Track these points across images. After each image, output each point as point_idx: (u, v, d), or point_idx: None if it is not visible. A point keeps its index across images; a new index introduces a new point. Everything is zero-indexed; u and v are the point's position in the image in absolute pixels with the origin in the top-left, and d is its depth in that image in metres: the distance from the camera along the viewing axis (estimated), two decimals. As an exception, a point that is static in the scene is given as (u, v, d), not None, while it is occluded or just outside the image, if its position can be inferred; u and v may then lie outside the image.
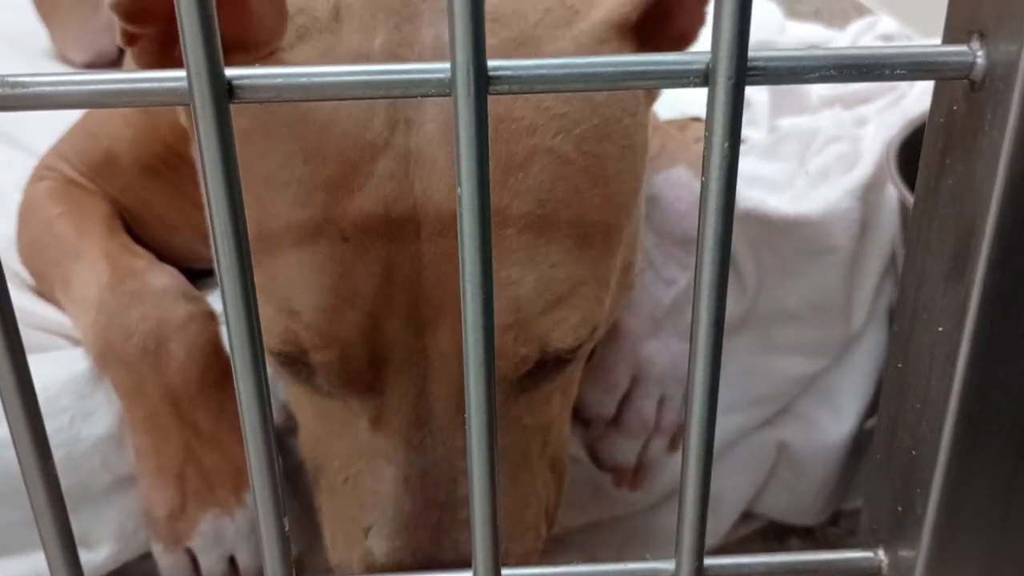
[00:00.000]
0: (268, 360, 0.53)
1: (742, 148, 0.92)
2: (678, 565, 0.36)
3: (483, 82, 0.29)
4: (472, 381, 0.33)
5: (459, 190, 0.30)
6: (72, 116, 0.77)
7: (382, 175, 0.46)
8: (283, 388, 0.59)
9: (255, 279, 0.47)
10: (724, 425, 0.75)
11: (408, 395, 0.50)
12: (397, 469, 0.51)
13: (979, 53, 0.30)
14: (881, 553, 0.38)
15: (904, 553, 0.37)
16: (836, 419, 0.79)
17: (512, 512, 0.54)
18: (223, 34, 0.29)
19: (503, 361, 0.49)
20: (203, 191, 0.32)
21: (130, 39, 0.48)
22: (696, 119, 0.89)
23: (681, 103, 0.90)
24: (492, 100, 0.29)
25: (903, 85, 0.91)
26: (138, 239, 0.71)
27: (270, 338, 0.48)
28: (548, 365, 0.51)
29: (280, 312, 0.48)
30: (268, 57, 0.46)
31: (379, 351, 0.48)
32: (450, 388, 0.50)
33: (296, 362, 0.50)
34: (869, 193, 0.77)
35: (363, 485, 0.52)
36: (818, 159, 0.82)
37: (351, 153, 0.46)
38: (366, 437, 0.52)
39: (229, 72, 0.29)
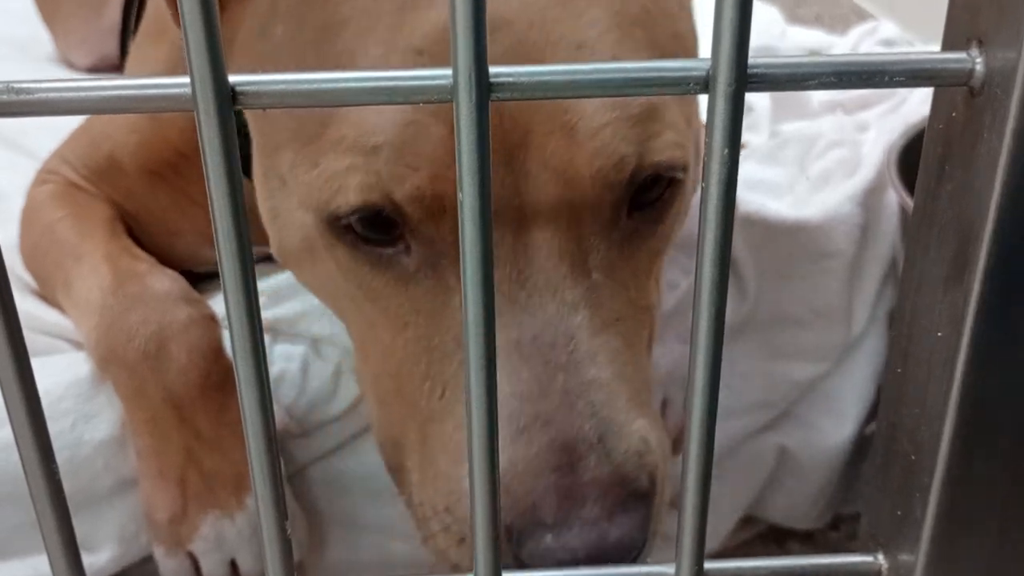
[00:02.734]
0: (343, 270, 0.49)
1: (743, 153, 0.93)
2: (678, 568, 0.36)
3: (485, 89, 0.29)
4: (474, 384, 0.33)
5: (460, 195, 0.30)
6: (75, 120, 0.77)
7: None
8: (358, 326, 0.53)
9: (323, 142, 0.46)
10: (725, 429, 0.75)
11: (504, 243, 0.46)
12: (505, 333, 0.46)
13: (978, 60, 0.30)
14: (881, 557, 0.38)
15: (904, 557, 0.37)
16: (836, 424, 0.79)
17: (638, 391, 0.49)
18: None
19: (603, 159, 0.46)
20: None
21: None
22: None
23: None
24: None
25: (904, 91, 0.92)
26: (140, 243, 0.71)
27: (350, 193, 0.45)
28: (645, 199, 0.49)
29: (358, 155, 0.45)
30: None
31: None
32: (550, 232, 0.46)
33: (378, 230, 0.47)
34: (870, 198, 0.77)
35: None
36: (819, 164, 0.82)
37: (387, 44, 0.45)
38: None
39: (232, 78, 0.29)
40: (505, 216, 0.46)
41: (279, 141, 0.50)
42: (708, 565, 0.37)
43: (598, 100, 0.46)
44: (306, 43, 0.48)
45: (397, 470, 0.53)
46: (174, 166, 0.69)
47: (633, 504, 0.46)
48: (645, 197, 0.50)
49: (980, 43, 0.30)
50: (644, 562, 0.46)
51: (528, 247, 0.46)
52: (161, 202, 0.71)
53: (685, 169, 0.50)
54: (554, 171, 0.46)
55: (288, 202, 0.51)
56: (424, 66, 0.43)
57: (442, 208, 0.46)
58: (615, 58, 0.46)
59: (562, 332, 0.46)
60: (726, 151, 0.29)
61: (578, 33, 0.46)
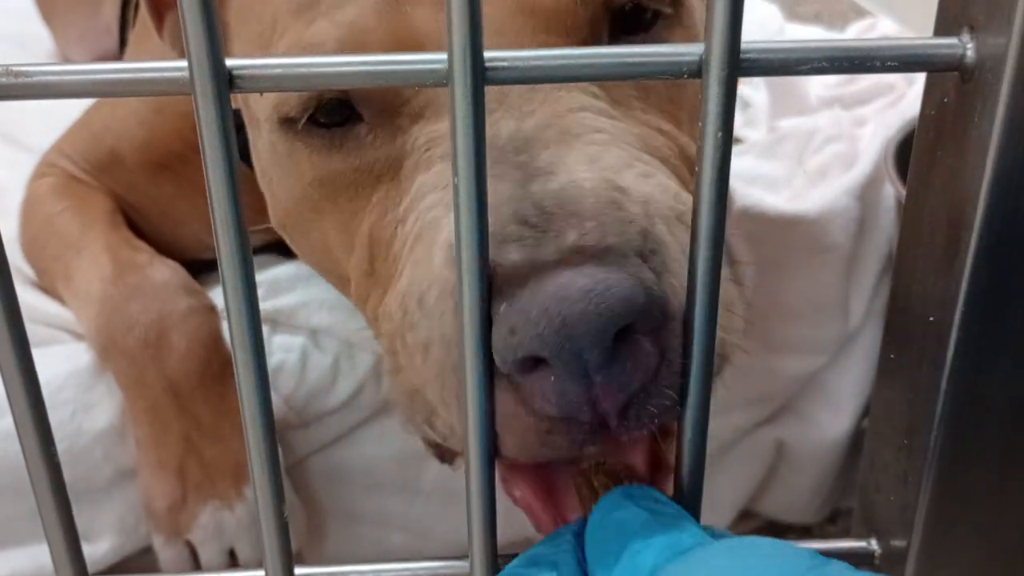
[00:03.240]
0: (301, 152, 0.48)
1: (740, 147, 0.92)
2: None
3: (480, 73, 0.29)
4: (471, 380, 0.33)
5: (455, 180, 0.30)
6: (74, 115, 0.78)
7: None
8: (331, 227, 0.50)
9: (276, 48, 0.45)
10: (722, 424, 0.76)
11: None
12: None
13: (969, 46, 0.30)
14: (874, 542, 0.38)
15: (897, 542, 0.37)
16: (834, 417, 0.79)
17: (677, 205, 0.39)
18: None
19: None
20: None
21: (159, 12, 0.48)
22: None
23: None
24: None
25: (901, 86, 0.92)
26: (142, 234, 0.71)
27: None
28: (630, 21, 0.45)
29: (301, 47, 0.44)
30: None
31: (405, 34, 0.43)
32: (517, 17, 0.43)
33: (327, 109, 0.45)
34: (867, 192, 0.77)
35: (434, 211, 0.41)
36: (816, 158, 0.82)
37: None
38: (424, 154, 0.43)
39: (230, 63, 0.30)
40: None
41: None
42: (703, 550, 0.37)
43: None
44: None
45: (393, 362, 0.45)
46: (181, 156, 0.68)
47: (614, 260, 0.35)
48: (631, 26, 0.46)
49: (971, 29, 0.30)
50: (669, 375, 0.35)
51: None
52: (166, 193, 0.71)
53: (674, 3, 0.46)
54: (512, 2, 0.43)
55: (262, 141, 0.51)
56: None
57: (368, 44, 0.43)
58: None
59: (529, 130, 0.40)
60: (720, 135, 0.30)
61: None
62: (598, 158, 0.40)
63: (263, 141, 0.51)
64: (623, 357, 0.33)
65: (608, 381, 0.34)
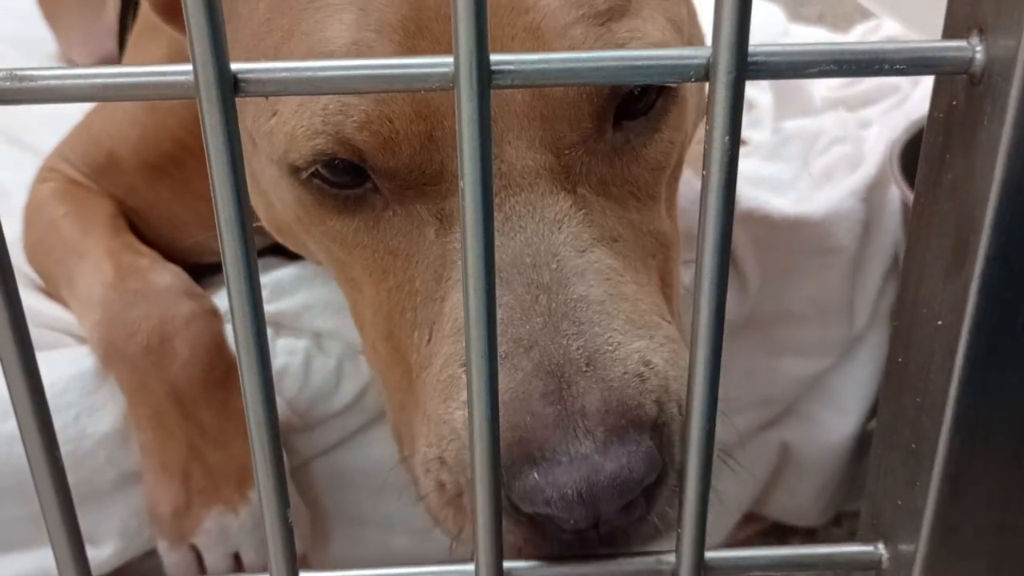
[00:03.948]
0: (314, 224, 0.48)
1: (745, 149, 0.92)
2: (679, 558, 0.37)
3: (486, 76, 0.29)
4: (476, 379, 0.33)
5: (462, 183, 0.30)
6: (76, 117, 0.77)
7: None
8: (341, 271, 0.51)
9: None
10: (726, 426, 0.75)
11: None
12: None
13: (978, 48, 0.30)
14: (881, 547, 0.38)
15: (904, 547, 0.37)
16: (839, 420, 0.79)
17: (636, 306, 0.44)
18: None
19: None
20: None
21: (167, 7, 0.47)
22: (699, 120, 0.89)
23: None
24: None
25: (906, 87, 0.92)
26: (143, 238, 0.71)
27: (301, 142, 0.44)
28: (634, 108, 0.46)
29: (308, 101, 0.44)
30: None
31: (422, 100, 0.42)
32: (523, 147, 0.43)
33: (339, 174, 0.45)
34: (872, 194, 0.77)
35: (451, 316, 0.44)
36: (821, 160, 0.82)
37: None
38: (439, 246, 0.44)
39: (235, 66, 0.30)
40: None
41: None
42: (709, 555, 0.37)
43: None
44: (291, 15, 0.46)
45: (398, 434, 0.51)
46: (175, 159, 0.68)
47: (633, 434, 0.40)
48: (635, 107, 0.46)
49: (980, 31, 0.30)
50: (660, 510, 0.42)
51: (503, 166, 0.43)
52: (163, 196, 0.71)
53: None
54: (518, 96, 0.43)
55: (259, 161, 0.50)
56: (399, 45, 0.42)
57: (394, 132, 0.43)
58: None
59: (544, 251, 0.43)
60: (727, 138, 0.30)
61: None
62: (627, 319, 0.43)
63: (264, 173, 0.50)
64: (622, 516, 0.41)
65: (607, 531, 0.41)
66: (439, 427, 0.44)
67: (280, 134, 0.45)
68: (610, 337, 0.42)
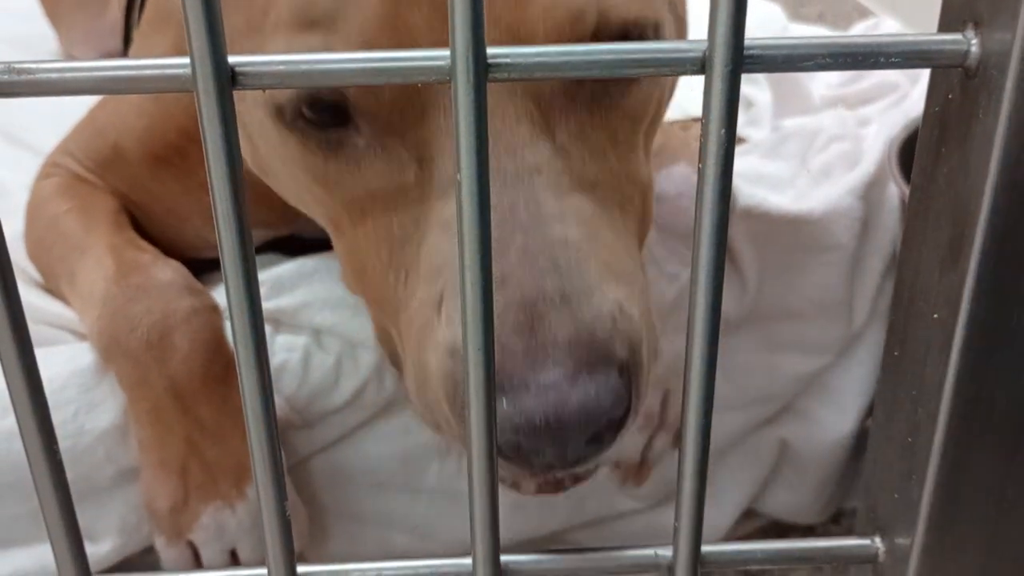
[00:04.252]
0: (294, 145, 0.48)
1: (744, 147, 0.92)
2: (676, 552, 0.37)
3: (483, 70, 0.29)
4: (472, 376, 0.33)
5: (458, 176, 0.30)
6: (78, 115, 0.78)
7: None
8: (326, 214, 0.52)
9: (265, 36, 0.45)
10: (726, 423, 0.76)
11: (451, 114, 0.44)
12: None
13: (973, 42, 0.30)
14: (878, 540, 0.38)
15: (900, 540, 0.37)
16: (838, 417, 0.79)
17: (617, 257, 0.45)
18: None
19: (558, 13, 0.43)
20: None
21: None
22: (698, 119, 0.89)
23: (686, 104, 0.90)
24: None
25: (905, 85, 0.92)
26: (145, 233, 0.72)
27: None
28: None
29: (294, 34, 0.44)
30: None
31: (407, 46, 0.42)
32: (505, 88, 0.43)
33: (322, 115, 0.45)
34: (871, 191, 0.77)
35: (425, 260, 0.45)
36: (820, 158, 0.82)
37: None
38: (416, 189, 0.45)
39: (232, 59, 0.30)
40: (444, 84, 0.44)
41: (233, 38, 0.49)
42: (706, 548, 0.37)
43: None
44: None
45: (393, 358, 0.53)
46: (180, 149, 0.68)
47: (601, 368, 0.42)
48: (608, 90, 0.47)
49: (976, 25, 0.30)
50: (612, 451, 0.45)
51: None
52: (168, 188, 0.71)
53: (657, 28, 0.47)
54: (506, 28, 0.43)
55: (244, 104, 0.50)
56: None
57: (381, 88, 0.44)
58: None
59: (523, 194, 0.43)
60: (723, 132, 0.30)
61: None
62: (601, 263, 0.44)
63: (251, 115, 0.50)
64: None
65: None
66: (417, 371, 0.46)
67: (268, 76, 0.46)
68: (586, 278, 0.43)
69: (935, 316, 0.33)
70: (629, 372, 0.43)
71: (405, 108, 0.44)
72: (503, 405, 0.41)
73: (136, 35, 0.80)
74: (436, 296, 0.44)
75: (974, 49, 0.30)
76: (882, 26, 1.12)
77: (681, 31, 0.53)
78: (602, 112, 0.47)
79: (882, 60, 0.30)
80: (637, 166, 0.50)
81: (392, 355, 0.53)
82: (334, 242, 0.54)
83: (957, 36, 0.30)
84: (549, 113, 0.46)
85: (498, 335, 0.40)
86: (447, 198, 0.44)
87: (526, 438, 0.40)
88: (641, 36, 0.46)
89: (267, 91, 0.46)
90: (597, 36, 0.44)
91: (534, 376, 0.41)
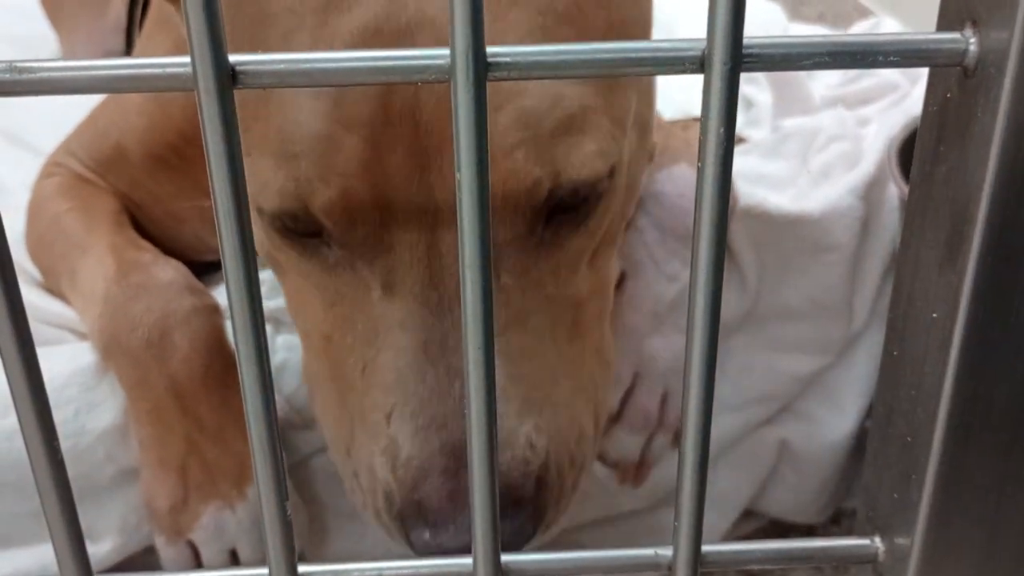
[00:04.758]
0: (270, 247, 0.51)
1: (744, 147, 0.92)
2: (676, 551, 0.37)
3: (482, 68, 0.29)
4: (473, 370, 0.33)
5: (458, 175, 0.30)
6: (79, 116, 0.78)
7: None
8: (290, 298, 0.56)
9: (253, 135, 0.47)
10: (725, 423, 0.76)
11: (419, 249, 0.47)
12: (414, 336, 0.48)
13: (972, 40, 0.30)
14: (877, 540, 0.38)
15: (900, 540, 0.37)
16: (837, 418, 0.79)
17: (539, 386, 0.50)
18: None
19: (515, 184, 0.46)
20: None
21: None
22: (698, 119, 0.89)
23: (685, 104, 0.91)
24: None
25: (905, 85, 0.92)
26: (146, 234, 0.72)
27: (271, 196, 0.47)
28: (566, 208, 0.49)
29: (279, 160, 0.46)
30: None
31: (383, 189, 0.46)
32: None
33: (299, 224, 0.48)
34: (871, 191, 0.77)
35: (380, 365, 0.49)
36: (820, 158, 0.82)
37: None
38: (380, 308, 0.49)
39: (233, 58, 0.30)
40: (419, 219, 0.47)
41: None
42: (706, 548, 0.37)
43: (511, 116, 0.46)
44: (243, 30, 0.48)
45: (333, 435, 0.55)
46: (179, 151, 0.69)
47: (511, 512, 0.48)
48: (567, 203, 0.50)
49: (974, 24, 0.30)
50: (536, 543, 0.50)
51: (440, 251, 0.47)
52: (167, 190, 0.71)
53: (611, 174, 0.50)
54: None
55: None
56: None
57: (352, 220, 0.47)
58: None
59: (453, 329, 0.48)
60: (722, 130, 0.30)
61: (496, 37, 0.46)
62: (521, 388, 0.49)
63: None
64: None
65: None
66: (359, 458, 0.51)
67: (252, 176, 0.47)
68: (503, 423, 0.49)
69: (934, 315, 0.33)
70: (537, 504, 0.50)
71: (376, 243, 0.48)
72: (424, 536, 0.48)
73: (139, 36, 0.80)
74: (388, 407, 0.49)
75: (972, 48, 0.30)
76: (882, 26, 1.12)
77: (644, 140, 0.55)
78: (548, 253, 0.50)
79: (880, 59, 0.30)
80: (576, 289, 0.53)
81: (311, 404, 0.57)
82: (296, 312, 0.56)
83: (955, 35, 0.30)
84: (498, 259, 0.49)
85: (430, 474, 0.47)
86: (407, 328, 0.48)
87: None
88: (594, 187, 0.49)
89: (252, 191, 0.48)
90: (551, 196, 0.48)
91: (453, 517, 0.48)
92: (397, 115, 0.45)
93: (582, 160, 0.47)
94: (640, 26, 0.53)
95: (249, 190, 0.46)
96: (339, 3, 0.45)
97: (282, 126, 0.46)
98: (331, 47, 0.45)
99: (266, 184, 0.47)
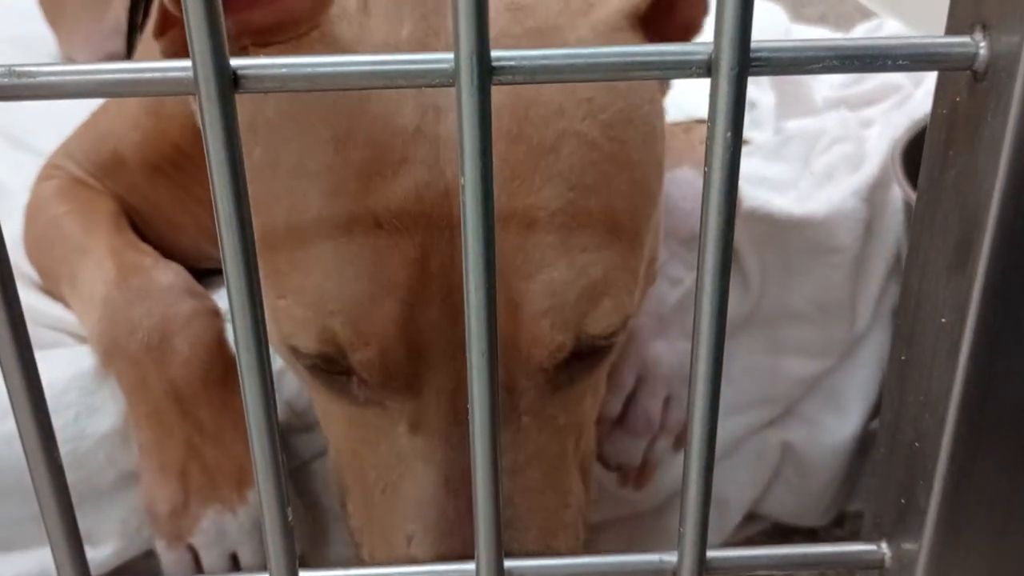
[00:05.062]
0: (301, 373, 0.53)
1: (747, 149, 0.92)
2: (680, 557, 0.36)
3: (486, 73, 0.29)
4: (475, 373, 0.33)
5: (462, 180, 0.30)
6: (79, 118, 0.78)
7: (413, 161, 0.46)
8: (316, 404, 0.59)
9: (288, 280, 0.48)
10: (728, 426, 0.75)
11: (446, 392, 0.49)
12: (437, 471, 0.50)
13: (982, 44, 0.30)
14: (884, 546, 0.38)
15: (907, 546, 0.37)
16: (841, 420, 0.79)
17: (552, 512, 0.53)
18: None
19: (540, 349, 0.48)
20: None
21: (163, 26, 0.48)
22: (701, 121, 0.89)
23: (687, 106, 0.90)
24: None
25: (908, 87, 0.91)
26: (144, 238, 0.71)
27: (308, 340, 0.48)
28: (583, 356, 0.51)
29: (317, 312, 0.47)
30: (310, 32, 0.47)
31: (417, 344, 0.48)
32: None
33: (332, 366, 0.50)
34: (874, 193, 0.77)
35: (403, 492, 0.51)
36: (823, 160, 0.82)
37: (382, 139, 0.46)
38: (405, 442, 0.51)
39: (234, 62, 0.29)
40: (449, 365, 0.48)
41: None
42: (711, 554, 0.37)
43: (540, 285, 0.47)
44: (280, 180, 0.48)
45: (343, 506, 0.57)
46: (174, 162, 0.69)
47: None
48: (584, 353, 0.51)
49: (984, 28, 0.30)
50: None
51: (463, 387, 0.48)
52: (164, 197, 0.71)
53: (626, 322, 0.51)
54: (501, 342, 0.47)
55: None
56: (380, 240, 0.46)
57: (389, 374, 0.48)
58: (564, 230, 0.48)
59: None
60: (729, 134, 0.29)
61: (530, 213, 0.47)
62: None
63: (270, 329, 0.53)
64: None
65: None
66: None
67: (286, 319, 0.49)
68: (522, 550, 0.51)
69: (942, 320, 0.33)
70: None
71: (406, 389, 0.49)
72: None
73: (142, 39, 0.80)
74: (408, 532, 0.51)
75: (982, 52, 0.30)
76: (884, 27, 1.11)
77: (652, 267, 0.57)
78: (563, 391, 0.52)
79: (890, 63, 0.30)
80: (582, 415, 0.55)
81: (342, 497, 0.57)
82: (321, 416, 0.57)
83: (965, 39, 0.30)
84: (519, 400, 0.50)
85: None
86: (430, 463, 0.50)
87: None
88: (612, 336, 0.51)
89: (287, 332, 0.50)
90: (571, 352, 0.49)
91: None
92: (434, 276, 0.46)
93: (601, 319, 0.49)
94: (656, 176, 0.54)
95: (283, 330, 0.49)
96: (382, 169, 0.46)
97: (321, 284, 0.47)
98: (374, 213, 0.46)
99: (304, 329, 0.48)
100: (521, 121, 0.47)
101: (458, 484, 0.50)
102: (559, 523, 0.53)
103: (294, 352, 0.50)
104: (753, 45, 0.29)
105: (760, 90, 0.96)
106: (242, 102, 0.49)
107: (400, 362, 0.48)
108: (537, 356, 0.49)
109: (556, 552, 0.53)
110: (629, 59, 0.30)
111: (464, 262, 0.31)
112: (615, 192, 0.49)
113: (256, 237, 0.51)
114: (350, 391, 0.51)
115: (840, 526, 0.86)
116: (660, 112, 0.54)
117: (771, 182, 0.79)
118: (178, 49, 0.48)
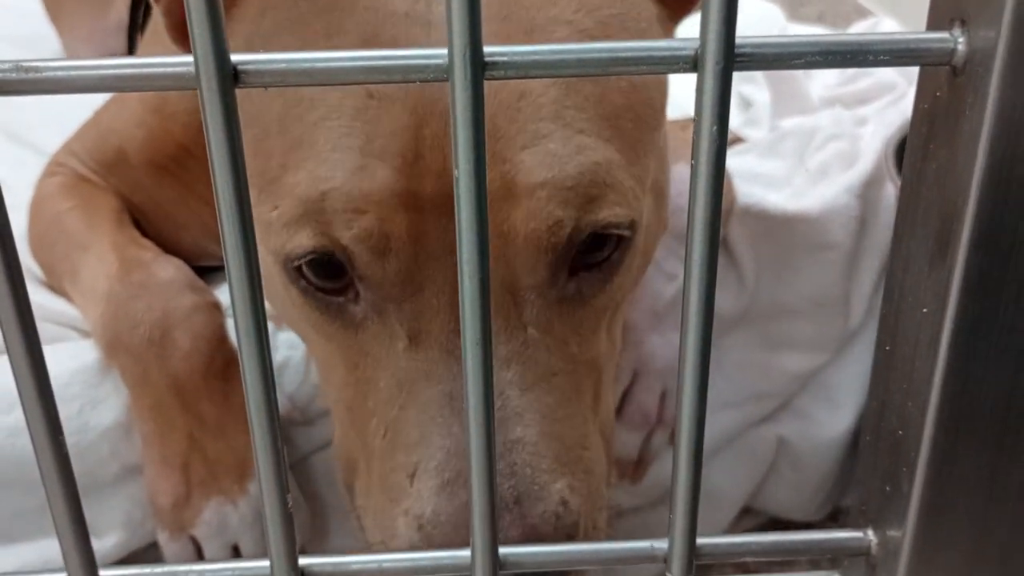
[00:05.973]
0: (297, 311, 0.52)
1: (741, 146, 0.92)
2: (671, 543, 0.37)
3: (479, 68, 0.30)
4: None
5: (456, 172, 0.31)
6: (82, 116, 0.78)
7: (405, 40, 0.46)
8: (316, 361, 0.57)
9: (281, 184, 0.48)
10: (723, 420, 0.76)
11: (446, 290, 0.47)
12: (439, 387, 0.48)
13: (960, 40, 0.30)
14: (870, 533, 0.39)
15: (892, 532, 0.37)
16: (835, 415, 0.79)
17: (569, 448, 0.50)
18: None
19: (537, 222, 0.47)
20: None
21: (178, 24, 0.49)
22: (697, 119, 0.90)
23: (684, 104, 0.91)
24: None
25: (902, 85, 0.92)
26: (147, 235, 0.72)
27: (302, 237, 0.47)
28: (589, 262, 0.50)
29: (311, 200, 0.47)
30: None
31: (414, 221, 0.46)
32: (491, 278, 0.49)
33: (329, 279, 0.48)
34: (868, 190, 0.77)
35: (405, 423, 0.49)
36: (817, 157, 0.82)
37: (373, 24, 0.46)
38: (404, 361, 0.49)
39: (235, 57, 0.30)
40: (448, 257, 0.47)
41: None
42: (701, 540, 0.37)
43: (536, 156, 0.46)
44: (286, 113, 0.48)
45: (349, 489, 0.56)
46: (178, 160, 0.70)
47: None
48: (592, 258, 0.50)
49: (962, 23, 0.31)
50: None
51: None
52: (167, 195, 0.72)
53: (632, 227, 0.50)
54: (491, 225, 0.46)
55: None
56: (371, 109, 0.46)
57: (388, 248, 0.47)
58: (559, 106, 0.47)
59: (494, 387, 0.49)
60: (714, 129, 0.30)
61: (522, 83, 0.47)
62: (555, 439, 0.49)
63: (264, 257, 0.52)
64: None
65: None
66: (383, 519, 0.50)
67: (281, 228, 0.48)
68: (537, 478, 0.48)
69: (924, 310, 0.34)
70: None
71: (405, 281, 0.48)
72: None
73: (144, 36, 0.81)
74: (411, 466, 0.48)
75: (960, 47, 0.30)
76: (881, 26, 1.12)
77: (661, 206, 0.56)
78: (571, 308, 0.51)
79: (871, 58, 0.30)
80: (597, 352, 0.53)
81: (347, 478, 0.56)
82: (322, 377, 0.56)
83: (944, 34, 0.31)
84: (523, 307, 0.49)
85: (459, 529, 0.46)
86: (432, 378, 0.48)
87: None
88: (619, 237, 0.50)
89: (280, 242, 0.49)
90: (572, 239, 0.48)
91: None
92: (429, 145, 0.46)
93: (604, 206, 0.48)
94: (657, 90, 0.54)
95: (277, 242, 0.48)
96: (370, 44, 0.47)
97: (315, 170, 0.46)
98: (365, 86, 0.46)
99: (298, 227, 0.47)
100: (511, 4, 0.47)
101: (461, 402, 0.47)
102: (577, 462, 0.51)
103: (289, 267, 0.49)
104: (738, 40, 0.30)
105: (756, 88, 0.97)
106: (240, 20, 0.50)
107: (397, 236, 0.46)
108: (535, 235, 0.47)
109: (574, 491, 0.50)
110: (617, 54, 0.31)
111: (459, 260, 0.32)
112: (611, 87, 0.49)
113: (249, 152, 0.52)
114: (347, 313, 0.50)
115: (835, 520, 0.86)
116: (657, 34, 0.53)
117: (766, 179, 0.79)
118: (180, 35, 0.50)
